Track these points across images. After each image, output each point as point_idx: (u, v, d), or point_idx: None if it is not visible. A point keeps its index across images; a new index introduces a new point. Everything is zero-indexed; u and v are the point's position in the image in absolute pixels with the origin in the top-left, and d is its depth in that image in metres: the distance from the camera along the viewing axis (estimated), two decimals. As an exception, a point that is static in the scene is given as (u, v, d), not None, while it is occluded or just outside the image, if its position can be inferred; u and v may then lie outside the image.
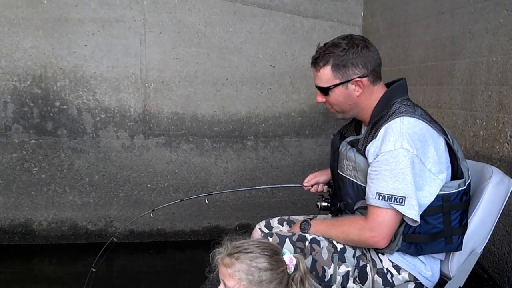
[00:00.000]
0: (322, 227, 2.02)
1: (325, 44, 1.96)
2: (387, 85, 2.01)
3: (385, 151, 1.80)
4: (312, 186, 2.39)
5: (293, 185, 2.72)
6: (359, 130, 2.15)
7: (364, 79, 1.91)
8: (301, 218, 2.38)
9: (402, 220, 1.86)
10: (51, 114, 4.02)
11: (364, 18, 4.21)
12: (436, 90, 3.08)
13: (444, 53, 3.00)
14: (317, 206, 2.36)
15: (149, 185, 4.23)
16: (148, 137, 4.17)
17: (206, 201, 2.85)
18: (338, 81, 1.92)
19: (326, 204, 2.34)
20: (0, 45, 3.89)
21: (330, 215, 2.29)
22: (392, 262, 1.96)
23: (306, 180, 2.41)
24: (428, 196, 1.85)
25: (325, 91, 1.97)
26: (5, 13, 3.84)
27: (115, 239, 2.80)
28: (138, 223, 4.24)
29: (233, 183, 4.33)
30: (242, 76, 4.19)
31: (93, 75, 4.02)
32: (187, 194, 4.27)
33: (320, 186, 2.37)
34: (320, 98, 2.02)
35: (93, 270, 2.83)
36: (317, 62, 1.95)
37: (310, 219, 2.10)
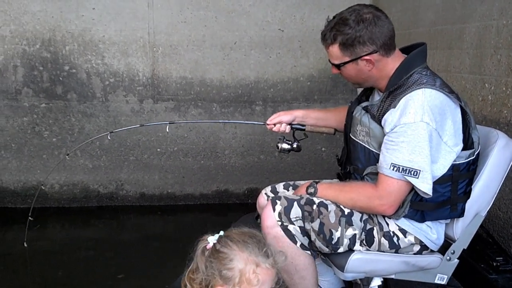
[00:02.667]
0: (330, 192, 2.04)
1: (334, 17, 1.93)
2: (405, 49, 1.99)
3: (405, 123, 1.79)
4: (274, 125, 2.36)
5: (255, 122, 2.71)
6: (368, 95, 2.14)
7: (374, 55, 1.88)
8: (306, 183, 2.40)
9: (411, 188, 1.88)
10: (60, 78, 4.04)
11: (375, -20, 4.13)
12: (445, 54, 3.05)
13: (454, 16, 2.96)
14: (277, 147, 2.39)
15: (158, 149, 4.26)
16: (157, 102, 4.19)
17: (167, 130, 2.87)
18: (347, 59, 1.91)
19: (286, 146, 2.37)
20: (9, 8, 3.88)
21: (337, 179, 2.31)
22: (398, 225, 1.99)
23: (269, 118, 2.39)
24: (442, 169, 1.87)
25: (336, 67, 1.97)
26: (12, -24, 3.82)
27: (31, 218, 2.85)
28: (148, 186, 4.30)
29: (242, 148, 4.36)
30: (250, 40, 4.15)
31: (102, 39, 4.01)
32: (196, 159, 4.32)
33: (283, 125, 2.34)
34: (335, 71, 2.01)
35: (25, 245, 2.91)
36: (325, 39, 1.93)
37: (316, 182, 2.11)
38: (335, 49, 1.91)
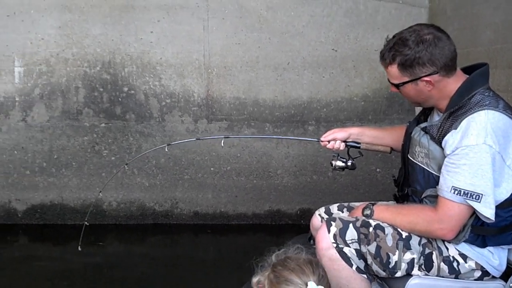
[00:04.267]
0: (387, 214, 2.00)
1: (393, 37, 1.91)
2: (467, 69, 1.95)
3: (466, 145, 1.75)
4: (329, 142, 2.33)
5: (309, 139, 2.69)
6: (427, 115, 2.10)
7: (434, 76, 1.85)
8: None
9: (472, 212, 1.83)
10: (119, 99, 4.19)
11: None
12: (506, 74, 2.95)
13: (515, 35, 2.87)
14: (331, 164, 2.34)
15: (212, 168, 4.32)
16: (211, 122, 4.26)
17: (222, 145, 2.90)
18: (406, 79, 1.88)
19: (341, 163, 2.31)
20: (71, 32, 4.08)
21: (393, 201, 2.26)
22: (458, 250, 1.93)
23: (324, 135, 2.36)
24: (505, 193, 1.81)
25: (395, 86, 1.95)
26: (75, 1, 4.02)
27: (87, 223, 2.90)
28: (202, 205, 4.36)
29: (294, 167, 4.34)
30: (303, 60, 4.17)
31: (159, 61, 4.13)
32: (248, 178, 4.34)
33: (337, 143, 2.31)
34: (394, 89, 1.99)
35: (79, 249, 2.99)
36: (384, 58, 1.92)
37: (372, 204, 2.08)
38: (393, 69, 1.89)
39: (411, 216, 1.94)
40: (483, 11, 3.22)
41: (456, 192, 1.76)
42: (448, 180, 1.79)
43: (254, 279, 1.63)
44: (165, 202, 4.36)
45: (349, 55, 4.15)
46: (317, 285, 1.48)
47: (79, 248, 3.06)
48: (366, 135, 2.34)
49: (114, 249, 4.10)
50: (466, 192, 1.75)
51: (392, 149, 2.33)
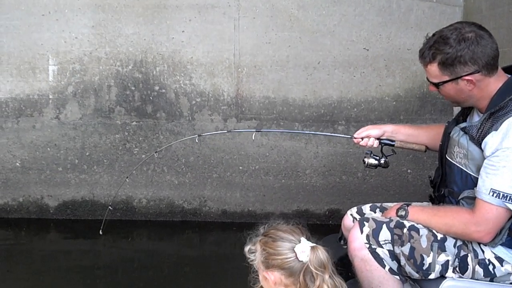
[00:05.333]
0: (422, 215, 1.97)
1: (433, 35, 1.88)
2: (508, 69, 1.91)
3: (507, 147, 1.72)
4: (362, 139, 2.30)
5: (342, 135, 2.67)
6: (467, 115, 2.06)
7: (476, 75, 1.81)
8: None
9: (510, 215, 1.80)
10: (151, 98, 4.23)
11: (466, -2, 3.99)
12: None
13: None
14: (364, 162, 2.30)
15: (240, 167, 4.33)
16: (240, 121, 4.26)
17: (253, 138, 2.90)
18: (447, 78, 1.84)
19: (374, 161, 2.27)
20: (104, 31, 4.14)
21: (429, 202, 2.22)
22: (494, 253, 1.90)
23: (357, 132, 2.33)
24: None
25: (435, 85, 1.91)
26: (109, 0, 4.08)
27: (110, 207, 3.18)
28: (230, 203, 4.37)
29: (323, 167, 4.32)
30: (334, 59, 4.14)
31: (190, 60, 4.16)
32: (277, 177, 4.33)
33: (371, 140, 2.27)
34: (433, 88, 1.95)
35: (101, 233, 3.24)
36: (423, 57, 1.88)
37: (407, 205, 2.05)
38: (433, 68, 1.86)
39: (447, 218, 1.91)
40: (521, 9, 3.15)
41: (495, 194, 1.73)
42: (487, 182, 1.75)
43: (246, 248, 1.68)
44: (193, 200, 4.39)
45: (381, 54, 4.11)
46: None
47: (101, 232, 3.11)
48: (401, 132, 2.30)
49: (143, 245, 4.16)
50: (506, 195, 1.72)
51: (427, 148, 2.28)
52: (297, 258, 1.51)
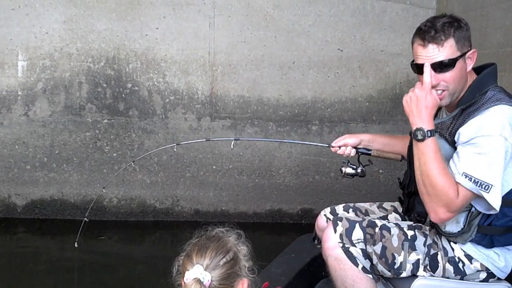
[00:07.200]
0: (438, 155, 1.82)
1: (434, 18, 1.88)
2: (475, 70, 1.94)
3: (483, 135, 1.74)
4: (339, 147, 2.30)
5: (320, 144, 2.67)
6: (433, 117, 2.07)
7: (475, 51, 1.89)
8: (367, 205, 2.35)
9: (478, 212, 1.83)
10: (123, 95, 4.17)
11: (438, 1, 4.05)
12: (515, 76, 2.94)
13: (525, 38, 2.85)
14: (341, 171, 2.31)
15: (214, 167, 4.30)
16: (215, 120, 4.24)
17: (232, 147, 2.89)
18: (459, 53, 1.83)
19: (351, 170, 2.29)
20: (76, 27, 4.06)
21: (399, 203, 2.24)
22: (464, 251, 1.92)
23: (335, 141, 2.32)
24: (506, 186, 1.80)
25: (450, 65, 1.83)
26: (81, -4, 4.00)
27: (86, 219, 2.85)
28: (203, 203, 4.34)
29: (297, 167, 4.33)
30: (309, 59, 4.15)
31: (164, 58, 4.12)
32: (250, 177, 4.32)
33: (348, 148, 2.27)
34: (435, 80, 1.84)
35: (76, 246, 3.03)
36: (436, 37, 1.82)
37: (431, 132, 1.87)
38: (450, 43, 1.82)
39: (447, 180, 1.78)
40: (493, 13, 3.21)
41: (468, 178, 1.74)
42: (460, 166, 1.77)
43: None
44: (166, 199, 4.34)
45: (355, 55, 4.14)
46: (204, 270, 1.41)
47: (76, 245, 3.04)
48: (377, 142, 2.32)
49: (113, 246, 4.08)
50: (477, 180, 1.73)
51: (403, 157, 2.30)
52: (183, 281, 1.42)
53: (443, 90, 1.87)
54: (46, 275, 3.40)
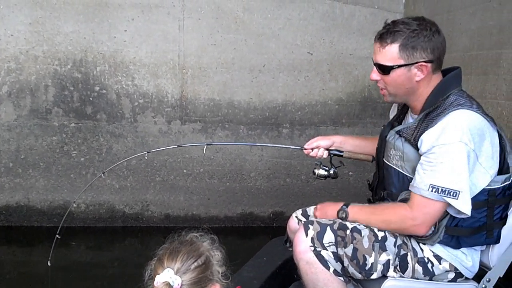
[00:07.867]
0: (361, 215, 2.00)
1: (393, 21, 1.89)
2: (443, 73, 1.96)
3: (443, 143, 1.76)
4: (312, 149, 2.33)
5: (292, 147, 2.70)
6: (401, 120, 2.11)
7: (429, 65, 1.85)
8: None
9: (446, 213, 1.85)
10: (90, 99, 4.09)
11: (406, 5, 4.12)
12: (481, 80, 3.00)
13: (490, 42, 2.92)
14: (314, 173, 2.34)
15: (184, 171, 4.26)
16: (185, 123, 4.20)
17: (204, 151, 2.87)
18: (402, 62, 1.85)
19: (323, 172, 2.32)
20: (42, 29, 3.97)
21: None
22: (432, 252, 1.95)
23: (307, 143, 2.36)
24: (473, 189, 1.82)
25: (386, 70, 1.89)
26: (47, -3, 3.92)
27: (58, 236, 2.78)
28: (173, 207, 4.29)
29: (268, 170, 4.33)
30: (279, 63, 4.16)
31: (132, 60, 4.06)
32: (221, 180, 4.30)
33: (321, 150, 2.31)
34: (376, 76, 1.94)
35: (49, 264, 2.80)
36: (383, 38, 1.86)
37: (346, 206, 2.06)
38: (393, 49, 1.84)
39: (385, 215, 1.95)
40: (459, 17, 3.27)
41: (434, 190, 1.77)
42: (426, 179, 1.80)
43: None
44: (135, 204, 4.27)
45: (324, 58, 4.17)
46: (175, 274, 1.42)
47: (49, 263, 2.94)
48: (349, 143, 2.36)
49: (82, 252, 3.99)
50: (444, 189, 1.76)
51: (373, 158, 2.33)
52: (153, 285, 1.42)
53: (383, 88, 1.96)
54: (14, 284, 3.30)
